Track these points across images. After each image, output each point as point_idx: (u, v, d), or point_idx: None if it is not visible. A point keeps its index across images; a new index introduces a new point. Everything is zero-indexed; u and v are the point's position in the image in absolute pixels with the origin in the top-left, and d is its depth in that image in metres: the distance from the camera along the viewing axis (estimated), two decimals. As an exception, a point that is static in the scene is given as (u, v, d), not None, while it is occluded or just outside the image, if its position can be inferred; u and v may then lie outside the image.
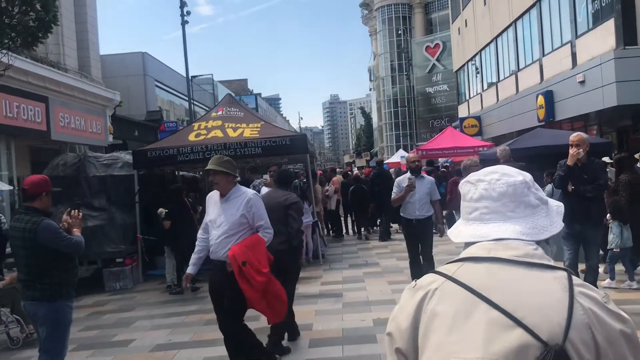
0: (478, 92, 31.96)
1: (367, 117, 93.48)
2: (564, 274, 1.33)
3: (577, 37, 18.41)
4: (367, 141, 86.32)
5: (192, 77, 24.85)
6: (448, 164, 23.91)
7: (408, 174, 7.97)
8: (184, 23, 22.43)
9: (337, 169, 27.32)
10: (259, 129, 11.23)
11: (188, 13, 23.18)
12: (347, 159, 66.71)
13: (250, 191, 5.18)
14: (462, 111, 35.52)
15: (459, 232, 1.49)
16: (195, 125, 11.87)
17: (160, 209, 9.53)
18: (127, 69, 27.80)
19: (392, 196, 7.89)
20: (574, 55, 18.72)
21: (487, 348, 1.23)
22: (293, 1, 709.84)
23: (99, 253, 10.21)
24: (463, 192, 1.51)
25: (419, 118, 56.38)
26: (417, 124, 57.51)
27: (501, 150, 8.09)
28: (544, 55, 21.58)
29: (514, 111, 24.55)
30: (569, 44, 18.97)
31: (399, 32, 58.74)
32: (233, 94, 12.56)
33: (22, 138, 16.10)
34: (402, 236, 9.07)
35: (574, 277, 1.34)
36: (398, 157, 32.94)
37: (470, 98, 34.01)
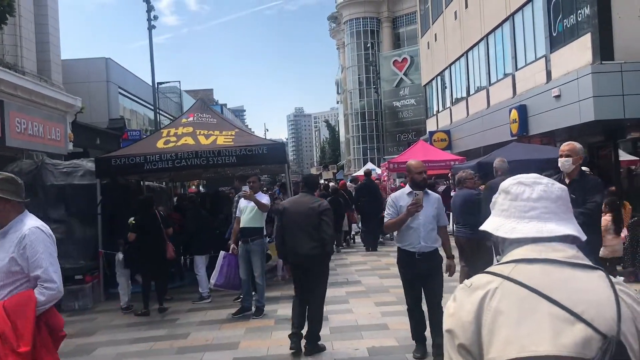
0: (447, 106, 31.88)
1: (332, 130, 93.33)
2: (603, 273, 1.48)
3: (551, 51, 18.31)
4: (333, 154, 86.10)
5: (158, 83, 23.88)
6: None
7: (407, 189, 5.91)
8: (150, 28, 21.61)
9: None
10: (233, 137, 10.55)
11: (155, 18, 22.33)
12: (313, 171, 66.08)
13: (31, 223, 3.75)
14: (431, 125, 35.44)
15: (512, 228, 1.57)
16: (164, 131, 11.11)
17: (131, 219, 8.76)
18: (89, 75, 26.80)
19: (386, 219, 5.88)
20: (548, 70, 18.61)
21: (556, 341, 1.33)
22: (260, 14, 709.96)
23: (56, 269, 9.31)
24: (516, 192, 1.61)
25: (386, 132, 56.32)
26: (385, 138, 57.42)
27: (500, 162, 7.57)
28: (516, 69, 21.50)
29: (485, 125, 24.42)
30: (544, 58, 18.87)
31: (367, 45, 58.68)
32: (204, 100, 11.76)
33: (-27, 144, 15.03)
34: (387, 249, 8.53)
35: (610, 276, 1.48)
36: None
37: (439, 112, 33.93)
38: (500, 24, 22.75)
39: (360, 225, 15.79)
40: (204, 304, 9.06)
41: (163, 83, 27.51)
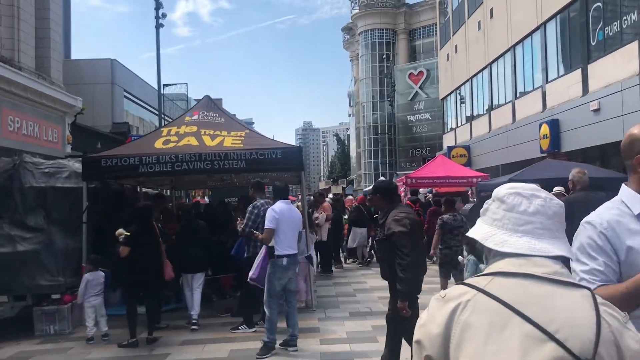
0: (467, 121, 30.54)
1: (342, 144, 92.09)
2: (589, 292, 1.41)
3: (589, 62, 16.90)
4: (342, 168, 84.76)
5: (164, 85, 22.67)
6: (430, 194, 22.45)
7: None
8: (158, 26, 20.36)
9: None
10: (242, 139, 9.16)
11: (164, 16, 21.11)
12: (322, 185, 64.66)
13: None
14: (448, 140, 34.08)
15: (503, 241, 1.50)
16: (164, 130, 9.72)
17: (120, 230, 7.29)
18: (94, 76, 25.73)
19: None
20: (585, 82, 17.17)
21: None
22: (272, 27, 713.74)
23: (30, 287, 7.84)
24: (512, 203, 1.54)
25: (399, 146, 54.78)
26: (397, 153, 55.88)
27: (579, 174, 6.08)
28: (547, 81, 20.08)
29: (509, 141, 23.04)
30: (579, 70, 17.44)
31: (382, 57, 57.37)
32: (211, 98, 10.39)
33: (-40, 141, 13.77)
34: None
35: (597, 296, 1.41)
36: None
37: (457, 127, 32.58)
38: (530, 34, 21.40)
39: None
40: (204, 336, 7.59)
41: (170, 85, 26.21)
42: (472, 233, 1.60)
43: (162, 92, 22.15)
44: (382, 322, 7.90)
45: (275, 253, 6.63)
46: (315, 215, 12.42)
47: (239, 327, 7.67)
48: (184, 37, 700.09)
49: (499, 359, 1.28)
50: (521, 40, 22.42)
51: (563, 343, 1.28)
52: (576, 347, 1.28)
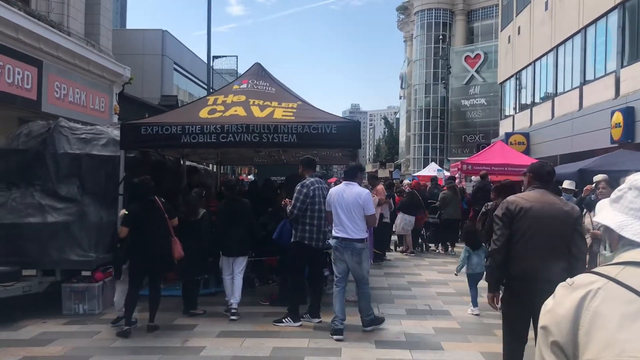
0: (527, 107, 28.95)
1: (390, 127, 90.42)
2: None
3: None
4: (389, 152, 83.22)
5: (214, 57, 22.00)
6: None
7: None
8: (210, -5, 19.56)
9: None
10: (294, 110, 8.30)
11: (216, -15, 20.31)
12: (369, 168, 63.47)
13: None
14: (505, 127, 32.50)
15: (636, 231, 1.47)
16: (211, 98, 8.94)
17: (123, 211, 6.59)
18: (144, 47, 25.39)
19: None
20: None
21: None
22: (325, 8, 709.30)
23: (58, 261, 7.24)
24: None
25: (451, 132, 52.94)
26: (449, 138, 54.06)
27: None
28: (622, 66, 18.44)
29: (575, 129, 21.49)
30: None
31: (438, 38, 55.39)
32: (262, 65, 9.53)
33: (5, 106, 13.38)
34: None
35: None
36: (431, 170, 29.79)
37: (516, 113, 30.97)
38: (605, 14, 19.69)
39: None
40: (243, 328, 6.81)
41: (219, 57, 25.57)
42: (603, 219, 1.58)
43: (211, 64, 21.46)
44: (445, 323, 7.01)
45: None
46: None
47: (283, 320, 6.87)
48: (237, 16, 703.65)
49: (632, 347, 1.26)
50: (594, 22, 20.73)
51: None
52: None
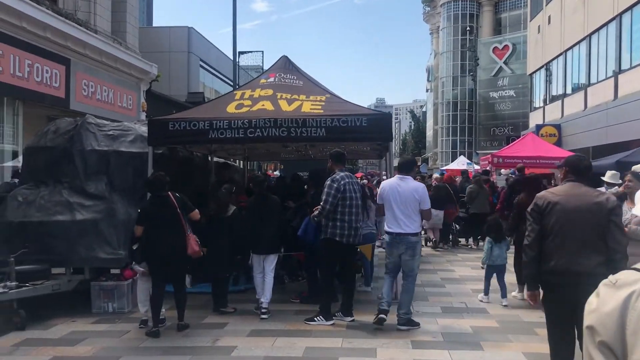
0: (558, 98, 28.26)
1: (417, 121, 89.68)
2: None
3: None
4: (415, 146, 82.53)
5: (239, 52, 21.92)
6: (512, 175, 20.82)
7: None
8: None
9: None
10: (323, 103, 8.09)
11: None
12: (396, 162, 62.97)
13: None
14: (536, 118, 31.82)
15: None
16: (238, 93, 8.79)
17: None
18: (170, 44, 25.45)
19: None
20: None
21: None
22: (349, 2, 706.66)
23: (87, 259, 7.17)
24: None
25: (480, 124, 52.17)
26: (477, 131, 53.28)
27: None
28: (660, 53, 17.83)
29: (610, 120, 20.85)
30: None
31: (465, 30, 54.59)
32: (289, 58, 9.35)
33: (34, 104, 13.49)
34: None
35: None
36: (459, 164, 29.33)
37: (547, 104, 30.28)
38: (641, 0, 19.04)
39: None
40: (274, 327, 6.66)
41: (245, 52, 25.49)
42: None
43: (237, 60, 21.37)
44: (483, 322, 6.75)
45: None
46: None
47: (315, 319, 6.69)
48: (261, 12, 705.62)
49: None
50: (630, 8, 20.06)
51: None
52: None
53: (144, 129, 8.15)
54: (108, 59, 16.46)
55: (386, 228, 6.59)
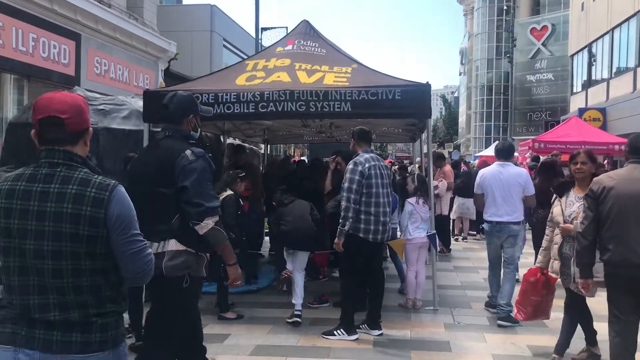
0: (603, 80, 26.60)
1: (449, 106, 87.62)
2: None
3: None
4: (447, 132, 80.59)
5: (262, 29, 20.79)
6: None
7: None
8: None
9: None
10: (349, 75, 6.87)
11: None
12: (434, 146, 61.47)
13: None
14: (577, 102, 30.16)
15: None
16: (250, 63, 7.60)
17: None
18: (192, 23, 24.48)
19: None
20: None
21: None
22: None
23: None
24: None
25: (515, 109, 50.10)
26: (513, 116, 51.23)
27: None
28: None
29: (662, 103, 19.27)
30: None
31: (502, 10, 52.38)
32: (310, 23, 8.09)
33: (41, 81, 12.58)
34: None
35: None
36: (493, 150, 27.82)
37: (590, 87, 28.60)
38: None
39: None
40: (284, 342, 5.53)
41: (268, 28, 24.34)
42: None
43: (259, 37, 20.26)
44: (543, 339, 5.48)
45: None
46: (434, 183, 9.75)
47: (335, 332, 5.54)
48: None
49: None
50: (689, -21, 18.34)
51: None
52: None
53: (140, 104, 7.07)
54: (123, 35, 15.50)
55: (486, 217, 6.47)
